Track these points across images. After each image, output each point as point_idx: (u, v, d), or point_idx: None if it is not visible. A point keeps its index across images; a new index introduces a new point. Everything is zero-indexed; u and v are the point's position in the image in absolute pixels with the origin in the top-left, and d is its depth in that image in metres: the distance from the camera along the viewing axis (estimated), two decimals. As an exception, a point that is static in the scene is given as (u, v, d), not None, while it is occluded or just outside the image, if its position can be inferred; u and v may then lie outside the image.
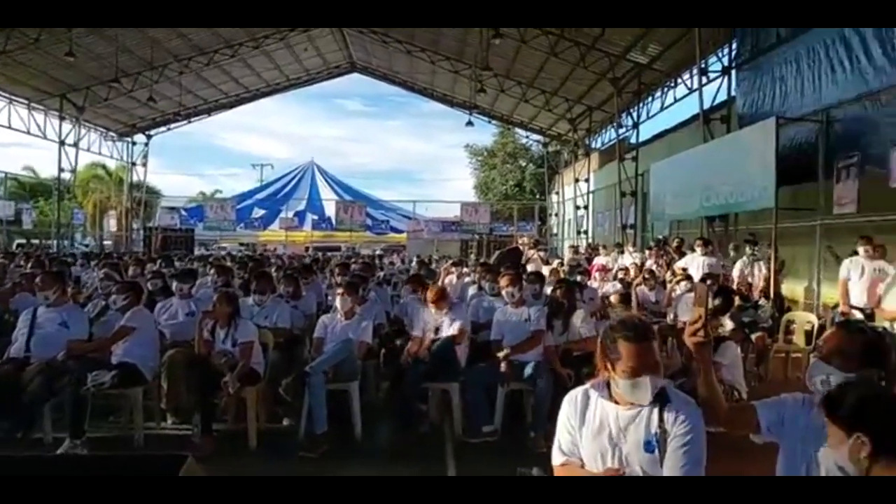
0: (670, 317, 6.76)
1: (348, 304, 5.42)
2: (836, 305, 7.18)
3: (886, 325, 5.76)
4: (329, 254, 22.42)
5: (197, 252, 23.90)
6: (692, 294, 6.51)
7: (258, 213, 31.16)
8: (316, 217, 30.89)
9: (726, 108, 13.51)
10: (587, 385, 2.24)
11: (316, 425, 4.61)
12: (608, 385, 2.17)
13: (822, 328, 6.36)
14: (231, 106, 27.21)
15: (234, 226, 28.06)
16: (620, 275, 8.99)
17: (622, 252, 13.21)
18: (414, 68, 23.97)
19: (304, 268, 8.29)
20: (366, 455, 4.63)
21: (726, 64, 13.64)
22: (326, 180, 35.26)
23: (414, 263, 16.05)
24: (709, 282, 6.58)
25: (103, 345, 4.74)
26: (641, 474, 2.08)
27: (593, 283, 8.17)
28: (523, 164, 35.22)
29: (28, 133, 21.30)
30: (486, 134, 43.31)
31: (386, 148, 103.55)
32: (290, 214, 30.21)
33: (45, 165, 27.96)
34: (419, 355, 5.22)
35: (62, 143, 22.25)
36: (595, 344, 5.01)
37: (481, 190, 36.45)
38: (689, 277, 7.22)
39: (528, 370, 4.84)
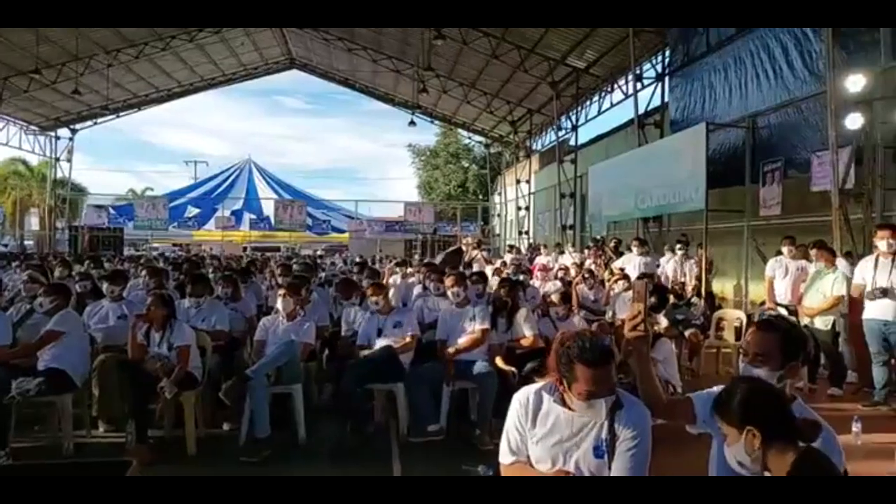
0: (609, 314, 6.97)
1: (290, 305, 5.33)
2: (762, 302, 7.59)
3: (807, 321, 6.15)
4: (268, 254, 21.93)
5: (127, 252, 22.90)
6: (630, 292, 6.76)
7: (192, 211, 30.10)
8: (254, 216, 30.12)
9: (660, 113, 14.07)
10: (538, 386, 2.24)
11: (258, 430, 4.50)
12: (559, 389, 2.14)
13: (750, 324, 6.72)
14: (162, 101, 26.18)
15: (166, 225, 26.97)
16: (560, 274, 9.20)
17: (562, 252, 13.52)
18: (355, 66, 23.75)
19: (243, 269, 8.08)
20: (310, 458, 4.56)
21: (660, 71, 14.21)
22: (265, 178, 34.46)
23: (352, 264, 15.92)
24: (646, 280, 6.83)
25: (29, 350, 4.47)
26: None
27: (535, 282, 8.32)
28: (466, 164, 35.52)
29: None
30: (429, 134, 43.47)
31: (328, 146, 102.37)
32: (227, 213, 29.34)
33: (-43, 160, 26.08)
34: (361, 356, 5.18)
35: (-24, 136, 20.87)
36: (537, 341, 5.14)
37: (425, 190, 36.52)
38: (626, 276, 7.48)
39: (473, 369, 4.88)
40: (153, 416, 4.68)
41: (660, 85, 14.22)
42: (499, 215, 29.33)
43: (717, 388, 2.23)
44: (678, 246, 9.35)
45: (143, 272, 6.56)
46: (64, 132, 25.39)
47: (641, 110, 14.09)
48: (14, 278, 7.75)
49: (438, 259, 10.91)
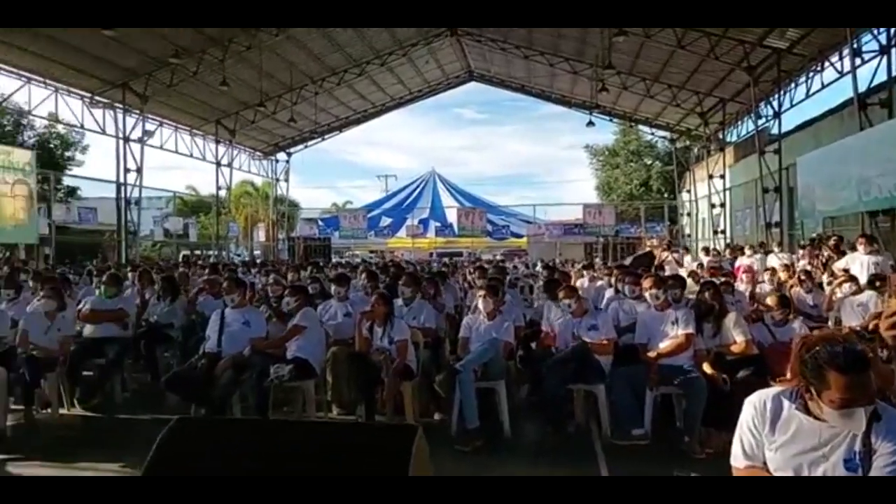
0: (832, 322, 6.30)
1: (490, 305, 5.64)
2: None
3: None
4: (455, 259, 23.01)
5: (334, 259, 25.48)
6: (859, 297, 6.04)
7: (386, 221, 32.64)
8: (439, 224, 31.82)
9: (887, 90, 12.26)
10: (776, 390, 2.11)
11: (468, 421, 4.84)
12: (801, 395, 2.01)
13: None
14: (359, 122, 28.75)
15: (365, 234, 29.61)
16: (768, 276, 8.46)
17: (768, 252, 12.38)
18: (532, 72, 24.01)
19: (440, 272, 8.66)
20: (516, 452, 4.79)
21: (884, 42, 12.39)
22: (447, 188, 36.21)
23: (539, 268, 16.09)
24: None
25: (279, 341, 5.31)
26: None
27: (739, 286, 7.75)
28: (649, 162, 33.91)
29: (191, 156, 23.95)
30: (606, 133, 42.27)
31: (503, 153, 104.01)
32: (416, 222, 31.32)
33: (205, 185, 31.12)
34: (560, 356, 5.29)
35: (218, 164, 24.82)
36: (751, 347, 4.84)
37: (603, 191, 35.55)
38: (853, 278, 6.67)
39: (679, 374, 4.76)
40: (378, 402, 5.25)
41: (885, 58, 12.40)
42: (688, 214, 27.56)
43: None
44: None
45: (363, 275, 7.37)
46: (281, 156, 29.11)
47: (862, 89, 12.41)
48: (255, 282, 9.14)
49: (627, 262, 10.67)
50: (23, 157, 17.20)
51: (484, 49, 23.06)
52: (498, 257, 26.71)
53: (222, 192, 25.83)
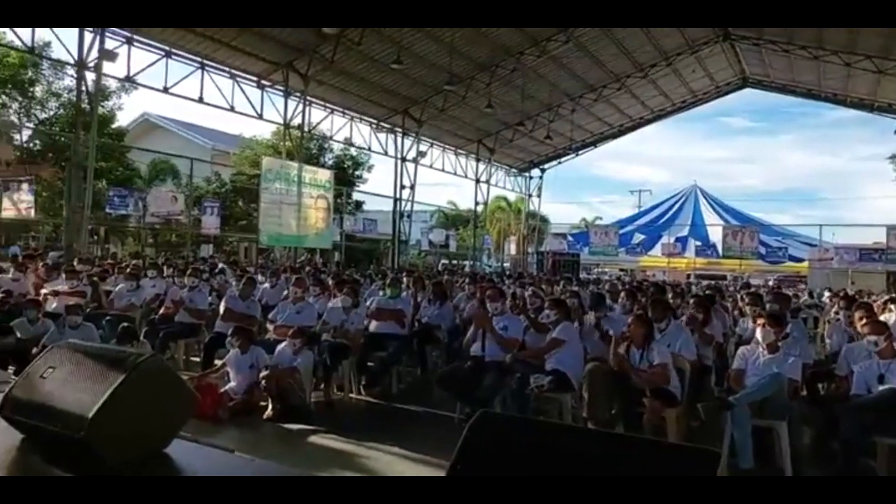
0: None
1: (771, 336, 5.05)
2: None
3: None
4: (718, 282, 21.11)
5: (582, 275, 25.34)
6: None
7: (638, 238, 31.40)
8: (699, 243, 29.51)
9: None
10: None
11: (741, 460, 4.40)
12: None
13: None
14: (615, 136, 28.25)
15: (616, 251, 28.89)
16: None
17: None
18: (822, 74, 20.93)
19: (709, 296, 8.03)
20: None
21: None
22: (710, 204, 33.42)
23: (826, 298, 13.95)
24: None
25: (540, 352, 5.46)
26: None
27: None
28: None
29: (454, 174, 26.10)
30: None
31: (777, 166, 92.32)
32: (672, 240, 29.55)
33: (463, 200, 33.70)
34: (863, 401, 4.52)
35: (478, 180, 26.62)
36: None
37: (915, 210, 29.34)
38: None
39: None
40: (639, 424, 5.05)
41: None
42: None
43: None
44: None
45: (622, 294, 7.22)
46: (535, 172, 30.00)
47: None
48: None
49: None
50: (324, 175, 20.54)
51: (762, 52, 20.86)
52: (771, 283, 23.79)
53: (479, 207, 27.58)
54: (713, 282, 20.81)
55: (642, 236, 31.57)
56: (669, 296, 9.07)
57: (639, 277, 24.68)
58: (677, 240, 29.85)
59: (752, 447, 4.41)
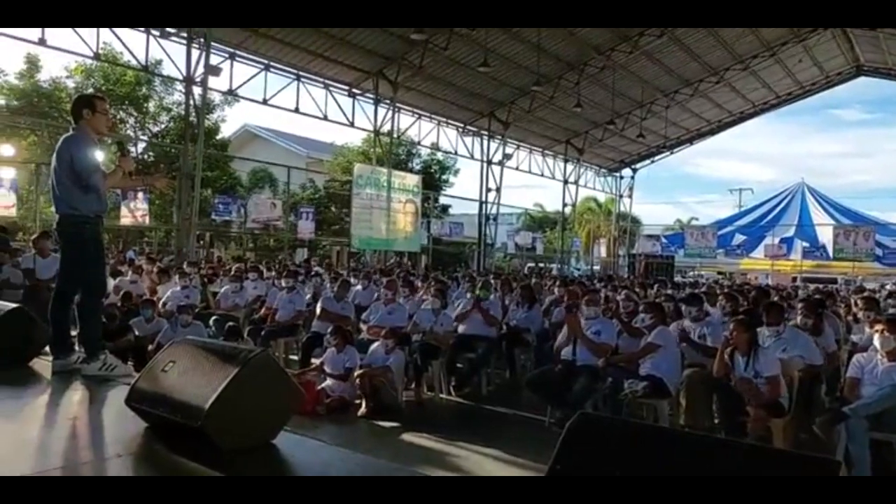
0: None
1: (891, 344, 4.64)
2: None
3: None
4: (829, 286, 19.59)
5: (677, 278, 24.30)
6: None
7: (739, 239, 29.67)
8: (807, 244, 27.45)
9: None
10: None
11: (857, 473, 4.06)
12: None
13: None
14: (713, 133, 26.94)
15: (714, 253, 27.46)
16: None
17: None
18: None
19: (819, 300, 7.47)
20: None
21: None
22: (820, 202, 31.08)
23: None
24: None
25: (634, 357, 5.29)
26: None
27: None
28: None
29: (541, 175, 25.77)
30: None
31: (894, 160, 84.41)
32: (777, 241, 27.69)
33: (550, 201, 33.18)
34: None
35: (566, 181, 26.16)
36: None
37: None
38: None
39: None
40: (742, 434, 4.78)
41: None
42: None
43: None
44: None
45: (721, 298, 6.87)
46: (626, 172, 29.12)
47: None
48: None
49: None
50: (412, 180, 20.93)
51: (880, 38, 19.19)
52: (889, 287, 21.77)
53: (567, 209, 27.09)
54: (823, 286, 19.33)
55: (743, 237, 29.79)
56: (775, 300, 8.53)
57: (738, 281, 23.33)
58: (782, 241, 27.93)
59: (869, 462, 4.06)
